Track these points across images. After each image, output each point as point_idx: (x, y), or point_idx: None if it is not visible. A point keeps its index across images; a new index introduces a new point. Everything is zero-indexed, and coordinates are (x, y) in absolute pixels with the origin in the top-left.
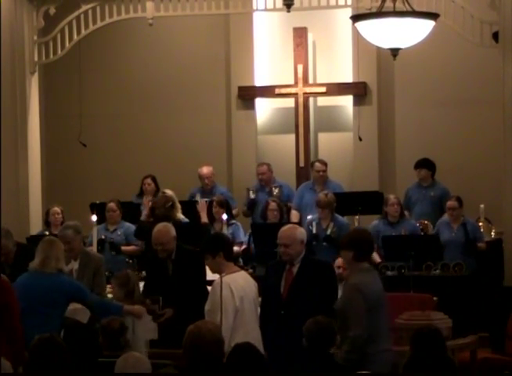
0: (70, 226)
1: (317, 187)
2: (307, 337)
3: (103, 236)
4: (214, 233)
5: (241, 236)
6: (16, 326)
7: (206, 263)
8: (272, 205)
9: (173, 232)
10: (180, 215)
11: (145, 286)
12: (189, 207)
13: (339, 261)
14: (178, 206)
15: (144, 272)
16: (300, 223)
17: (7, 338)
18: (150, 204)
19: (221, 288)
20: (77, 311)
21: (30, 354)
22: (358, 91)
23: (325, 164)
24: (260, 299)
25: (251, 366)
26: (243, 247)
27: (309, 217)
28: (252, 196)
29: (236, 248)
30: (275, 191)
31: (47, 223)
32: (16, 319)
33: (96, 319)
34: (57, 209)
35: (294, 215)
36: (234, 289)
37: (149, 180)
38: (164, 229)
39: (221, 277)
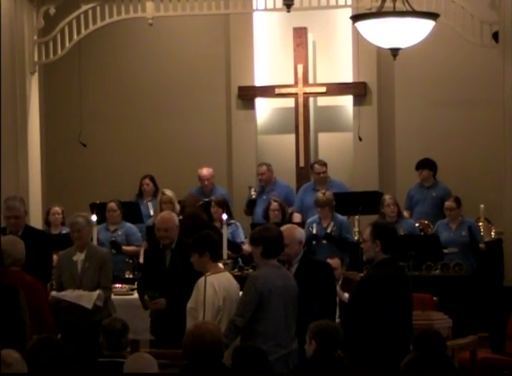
0: (82, 215)
1: (319, 187)
2: (314, 338)
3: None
4: (204, 232)
5: (241, 235)
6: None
7: (191, 260)
8: (274, 205)
9: (176, 221)
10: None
11: (141, 278)
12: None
13: (332, 261)
14: (177, 206)
15: None
16: (302, 225)
17: None
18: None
19: (204, 287)
20: (82, 296)
21: (28, 354)
22: (358, 91)
23: (324, 164)
24: None
25: (255, 368)
26: (244, 246)
27: (309, 219)
28: (253, 195)
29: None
30: (273, 196)
31: (47, 223)
32: (49, 319)
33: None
34: (58, 209)
35: (296, 218)
36: (217, 288)
37: (147, 180)
38: (169, 216)
39: (205, 276)
